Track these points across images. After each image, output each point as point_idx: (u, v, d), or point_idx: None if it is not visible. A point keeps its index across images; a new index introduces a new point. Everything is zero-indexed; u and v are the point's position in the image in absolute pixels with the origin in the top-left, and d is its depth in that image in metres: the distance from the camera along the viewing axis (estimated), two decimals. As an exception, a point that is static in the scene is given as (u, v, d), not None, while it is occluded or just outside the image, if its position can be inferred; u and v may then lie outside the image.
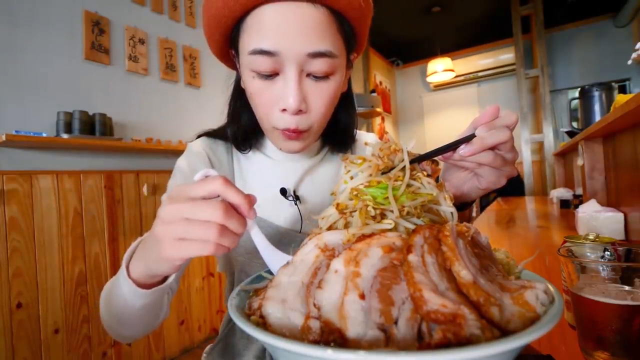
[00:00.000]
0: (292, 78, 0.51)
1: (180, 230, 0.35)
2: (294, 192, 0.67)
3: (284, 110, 0.53)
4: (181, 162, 0.67)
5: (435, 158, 0.47)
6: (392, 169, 0.42)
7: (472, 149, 0.43)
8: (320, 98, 0.55)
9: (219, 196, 0.37)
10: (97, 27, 2.04)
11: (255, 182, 0.68)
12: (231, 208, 0.37)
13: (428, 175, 0.41)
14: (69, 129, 1.81)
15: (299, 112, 0.54)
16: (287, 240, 0.63)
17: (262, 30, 0.51)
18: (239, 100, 0.66)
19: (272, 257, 0.41)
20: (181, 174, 0.66)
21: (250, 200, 0.38)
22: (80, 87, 1.96)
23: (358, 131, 0.76)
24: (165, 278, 0.47)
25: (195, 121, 2.57)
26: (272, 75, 0.53)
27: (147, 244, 0.42)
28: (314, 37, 0.50)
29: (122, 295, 0.46)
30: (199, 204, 0.35)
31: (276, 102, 0.54)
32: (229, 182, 0.37)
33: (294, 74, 0.51)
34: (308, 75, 0.53)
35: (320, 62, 0.52)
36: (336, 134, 0.71)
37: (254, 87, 0.55)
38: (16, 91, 1.72)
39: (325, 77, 0.54)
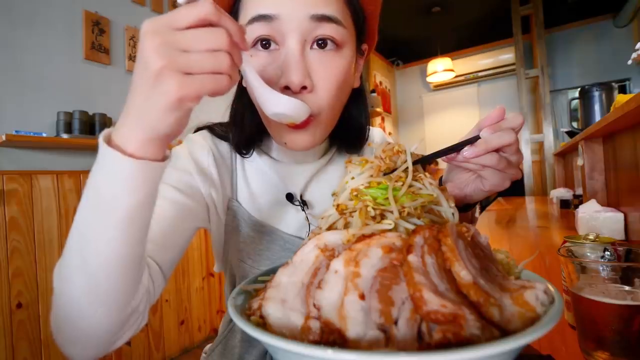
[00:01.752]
0: (294, 48, 0.47)
1: (184, 62, 0.29)
2: (301, 197, 0.63)
3: (286, 87, 0.48)
4: (178, 148, 0.60)
5: (439, 159, 0.47)
6: (395, 170, 0.42)
7: (476, 151, 0.42)
8: (328, 75, 0.49)
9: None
10: (97, 27, 2.04)
11: (259, 185, 0.63)
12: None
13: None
14: (69, 129, 1.81)
15: (303, 89, 0.48)
16: (292, 247, 0.61)
17: None
18: (242, 101, 0.62)
19: (268, 95, 0.38)
20: (177, 157, 0.59)
21: (243, 29, 0.33)
22: (80, 87, 1.97)
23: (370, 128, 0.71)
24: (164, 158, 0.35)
25: (195, 121, 2.55)
26: (271, 49, 0.49)
27: (137, 96, 0.31)
28: (318, 0, 0.47)
29: (100, 203, 0.33)
30: (198, 31, 0.30)
31: (276, 80, 0.48)
32: (219, 7, 0.31)
33: (296, 42, 0.47)
34: (313, 47, 0.49)
35: (326, 27, 0.47)
36: (346, 133, 0.65)
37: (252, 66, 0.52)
38: (16, 91, 1.72)
39: (332, 49, 0.49)
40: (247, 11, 0.49)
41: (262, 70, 0.49)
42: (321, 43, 0.49)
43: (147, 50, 0.29)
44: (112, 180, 0.32)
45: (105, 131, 0.34)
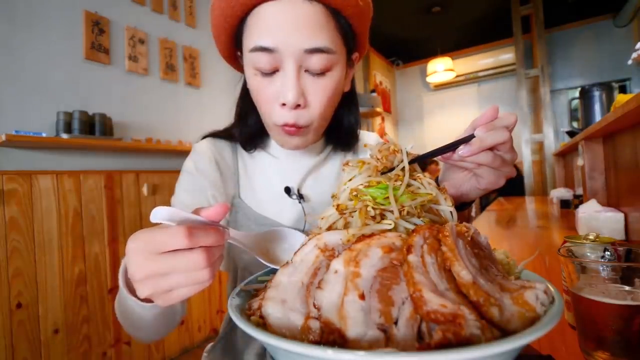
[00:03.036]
0: (290, 73, 0.53)
1: (166, 285, 0.34)
2: (298, 190, 0.68)
3: (284, 105, 0.55)
4: (188, 164, 0.68)
5: (435, 158, 0.47)
6: (392, 169, 0.42)
7: (471, 150, 0.43)
8: (319, 94, 0.56)
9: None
10: (97, 27, 2.04)
11: (260, 181, 0.69)
12: (208, 247, 0.34)
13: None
14: (68, 129, 1.81)
15: (297, 106, 0.55)
16: None
17: (261, 28, 0.53)
18: (246, 100, 0.67)
19: (257, 245, 0.43)
20: (188, 174, 0.66)
21: (221, 233, 0.35)
22: (80, 87, 1.96)
23: (361, 131, 0.77)
24: None
25: (195, 121, 2.57)
26: (272, 72, 0.55)
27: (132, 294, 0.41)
28: (311, 33, 0.52)
29: (132, 309, 0.44)
30: (178, 258, 0.33)
31: (276, 98, 0.55)
32: (191, 230, 0.33)
33: (292, 69, 0.53)
34: (307, 71, 0.55)
35: (318, 57, 0.53)
36: (339, 133, 0.71)
37: (256, 84, 0.57)
38: (16, 91, 1.72)
39: (323, 73, 0.55)
40: (250, 40, 0.54)
41: (263, 90, 0.56)
42: (313, 71, 0.55)
43: (135, 281, 0.34)
44: (139, 309, 0.43)
45: (122, 273, 0.43)
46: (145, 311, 0.43)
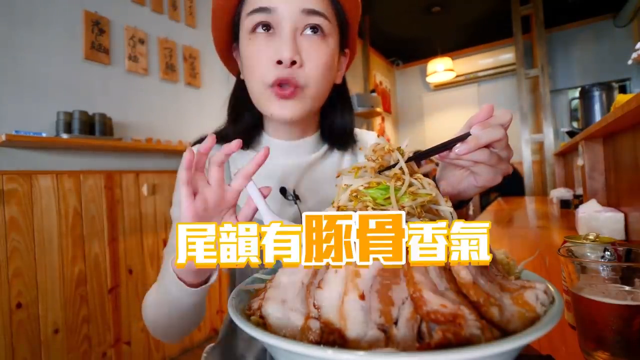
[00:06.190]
0: (287, 31, 0.56)
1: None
2: (294, 191, 0.67)
3: (279, 62, 0.56)
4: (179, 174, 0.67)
5: (432, 157, 0.47)
6: (389, 167, 0.42)
7: (468, 147, 0.43)
8: (314, 54, 0.58)
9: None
10: (97, 27, 2.04)
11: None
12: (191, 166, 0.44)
13: (426, 175, 0.41)
14: (68, 129, 1.81)
15: (292, 64, 0.56)
16: None
17: None
18: (240, 96, 0.67)
19: (266, 211, 0.47)
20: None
21: (198, 153, 0.45)
22: (80, 87, 1.96)
23: (359, 130, 0.76)
24: (208, 279, 0.50)
25: (195, 121, 2.57)
26: (268, 31, 0.57)
27: None
28: None
29: (173, 298, 0.49)
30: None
31: (271, 58, 0.56)
32: (191, 151, 0.44)
33: (289, 28, 0.56)
34: (302, 32, 0.57)
35: (314, 18, 0.57)
36: (333, 130, 0.71)
37: (251, 49, 0.58)
38: (16, 91, 1.72)
39: (318, 35, 0.58)
40: (249, 5, 0.58)
41: (257, 53, 0.58)
42: (310, 29, 0.58)
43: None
44: (181, 294, 0.48)
45: (173, 261, 0.47)
46: (187, 297, 0.48)
